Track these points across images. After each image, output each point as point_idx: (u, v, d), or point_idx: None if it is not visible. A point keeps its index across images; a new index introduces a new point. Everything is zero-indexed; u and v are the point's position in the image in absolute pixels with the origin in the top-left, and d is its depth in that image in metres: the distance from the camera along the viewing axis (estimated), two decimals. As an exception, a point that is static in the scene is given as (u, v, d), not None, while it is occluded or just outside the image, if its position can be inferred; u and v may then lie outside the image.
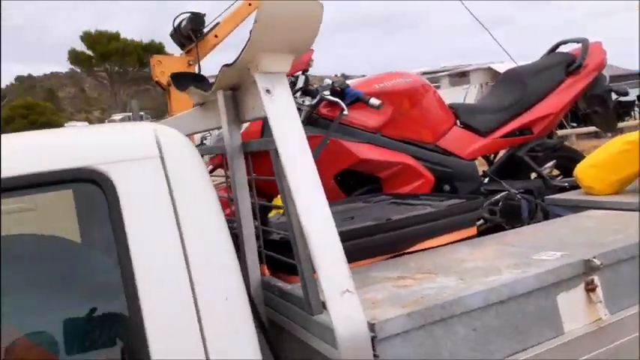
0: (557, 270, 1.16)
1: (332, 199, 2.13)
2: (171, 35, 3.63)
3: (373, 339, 0.91)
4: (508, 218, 2.26)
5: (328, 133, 2.01)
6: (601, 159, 1.98)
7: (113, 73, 28.88)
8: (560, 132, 13.53)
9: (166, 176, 0.94)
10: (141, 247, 0.88)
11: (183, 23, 3.55)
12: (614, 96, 2.57)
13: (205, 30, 3.75)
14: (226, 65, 1.10)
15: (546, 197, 2.06)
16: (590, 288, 1.20)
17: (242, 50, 1.01)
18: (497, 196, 2.36)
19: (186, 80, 1.53)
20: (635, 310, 1.26)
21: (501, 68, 16.33)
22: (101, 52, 28.44)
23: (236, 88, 1.26)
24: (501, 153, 2.64)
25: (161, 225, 0.91)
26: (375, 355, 0.90)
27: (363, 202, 1.98)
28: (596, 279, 1.22)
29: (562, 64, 2.48)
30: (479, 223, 2.29)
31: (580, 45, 2.55)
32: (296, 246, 1.03)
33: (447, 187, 2.37)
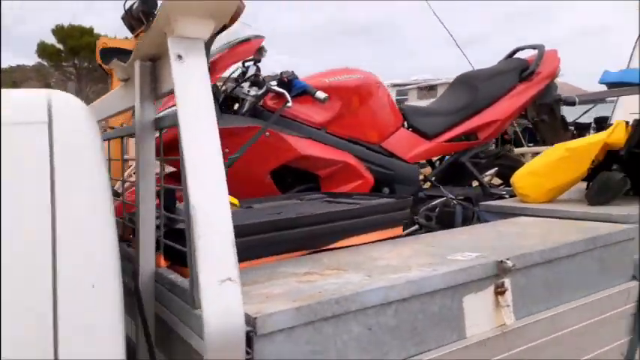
0: (468, 270, 1.13)
1: (266, 194, 2.08)
2: (122, 18, 3.48)
3: (251, 335, 0.84)
4: (443, 224, 2.24)
5: (266, 125, 1.95)
6: (539, 166, 1.98)
7: (81, 69, 28.03)
8: (516, 150, 13.93)
9: (50, 144, 0.85)
10: (7, 216, 0.79)
11: (135, 5, 3.41)
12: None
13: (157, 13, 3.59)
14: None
15: (480, 204, 2.05)
16: (499, 291, 1.17)
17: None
18: (435, 202, 2.35)
19: (113, 54, 1.44)
20: (542, 316, 1.24)
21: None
22: (72, 46, 27.60)
23: (156, 59, 1.16)
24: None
25: (34, 195, 0.83)
26: (247, 352, 0.82)
27: (297, 199, 1.93)
28: (507, 282, 1.19)
29: (516, 70, 2.48)
30: (414, 228, 2.28)
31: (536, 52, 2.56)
32: (188, 229, 0.95)
33: (386, 190, 2.33)
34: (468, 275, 1.12)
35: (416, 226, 2.34)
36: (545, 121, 2.56)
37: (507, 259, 1.18)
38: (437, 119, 2.40)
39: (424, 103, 15.28)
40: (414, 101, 18.40)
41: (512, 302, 1.19)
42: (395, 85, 21.43)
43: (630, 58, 4.49)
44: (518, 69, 2.47)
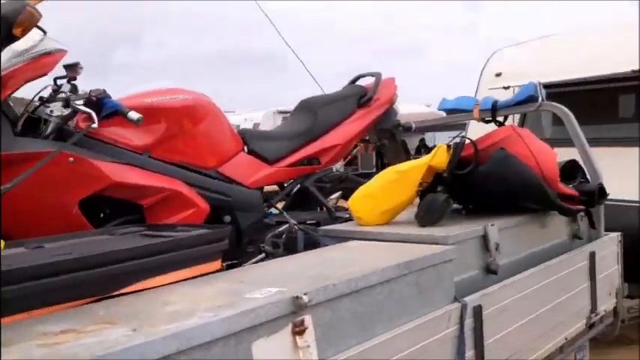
0: (256, 311, 0.98)
1: (75, 229, 1.81)
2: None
3: None
4: (290, 251, 2.14)
5: (59, 148, 1.68)
6: (372, 189, 1.95)
7: None
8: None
9: None
10: None
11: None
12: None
13: None
14: None
15: (319, 228, 1.97)
16: (297, 330, 1.05)
17: None
18: (282, 228, 2.24)
19: None
20: (351, 353, 1.15)
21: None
22: None
23: None
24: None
25: None
26: None
27: (109, 233, 1.69)
28: (308, 319, 1.07)
29: (354, 96, 2.48)
30: (260, 257, 2.14)
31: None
32: None
33: (227, 218, 2.18)
34: (256, 317, 0.98)
35: (262, 255, 2.21)
36: (386, 145, 2.60)
37: (304, 294, 1.06)
38: (278, 144, 2.30)
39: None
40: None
41: (314, 341, 1.08)
42: (280, 112, 21.60)
43: (477, 89, 4.88)
44: (356, 95, 2.48)
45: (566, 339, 1.98)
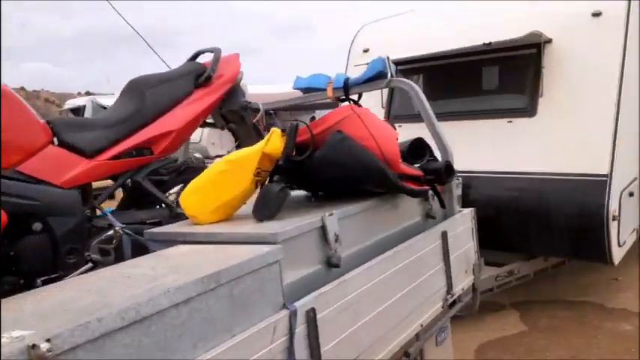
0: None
1: None
2: None
3: None
4: (121, 258, 1.84)
5: None
6: (202, 182, 1.70)
7: None
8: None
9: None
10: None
11: None
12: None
13: None
14: None
15: (146, 231, 1.68)
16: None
17: None
18: (110, 232, 1.93)
19: None
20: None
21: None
22: None
23: None
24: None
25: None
26: None
27: None
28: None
29: (190, 75, 2.19)
30: (87, 267, 1.83)
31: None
32: None
33: (38, 225, 1.81)
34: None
35: (89, 265, 1.88)
36: (233, 128, 2.36)
37: (47, 340, 0.80)
38: (98, 133, 1.95)
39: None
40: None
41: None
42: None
43: (346, 66, 4.78)
44: (193, 74, 2.19)
45: (422, 325, 1.91)
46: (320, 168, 1.64)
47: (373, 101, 4.42)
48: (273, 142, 1.61)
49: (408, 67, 4.33)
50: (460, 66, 4.06)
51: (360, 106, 2.56)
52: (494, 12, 3.94)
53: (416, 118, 4.26)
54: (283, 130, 1.62)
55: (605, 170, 3.18)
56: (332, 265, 1.55)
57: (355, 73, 4.67)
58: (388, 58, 2.27)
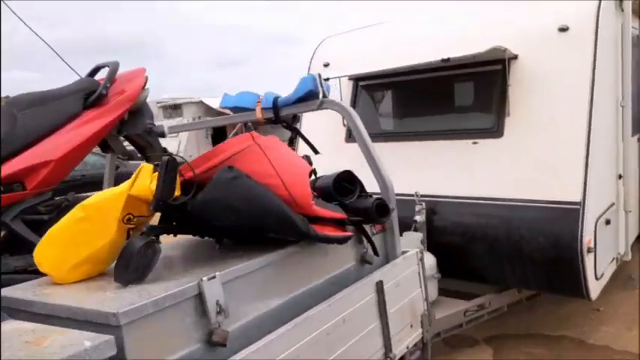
0: None
1: None
2: None
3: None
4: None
5: None
6: (57, 233, 1.34)
7: None
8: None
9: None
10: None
11: None
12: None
13: None
14: None
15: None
16: None
17: None
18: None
19: None
20: None
21: (213, 103, 16.52)
22: None
23: None
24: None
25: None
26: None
27: None
28: None
29: (79, 93, 1.83)
30: None
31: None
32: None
33: None
34: None
35: None
36: (134, 156, 2.00)
37: None
38: (-50, 165, 1.59)
39: (171, 122, 14.43)
40: (160, 121, 17.34)
41: None
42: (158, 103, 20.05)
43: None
44: (82, 92, 1.83)
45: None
46: (206, 213, 1.29)
47: (331, 118, 4.11)
48: (142, 181, 1.25)
49: (371, 82, 4.02)
50: (425, 82, 3.75)
51: (294, 129, 2.24)
52: (460, 26, 3.65)
53: (385, 136, 4.01)
54: (156, 166, 1.27)
55: (577, 197, 2.87)
56: (215, 344, 1.20)
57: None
58: (319, 75, 1.94)
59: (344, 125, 4.06)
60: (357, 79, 4.02)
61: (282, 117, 2.08)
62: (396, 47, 3.85)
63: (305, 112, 2.04)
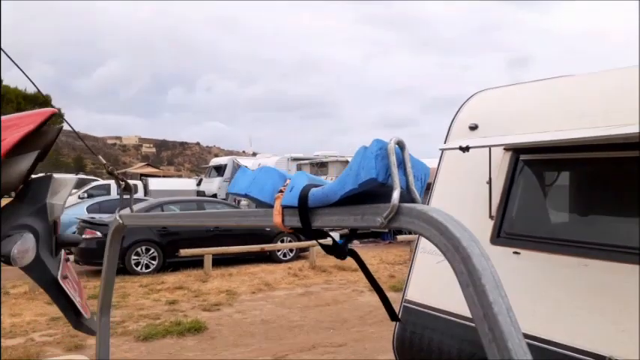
0: None
1: None
2: None
3: None
4: None
5: None
6: None
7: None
8: (402, 237, 12.99)
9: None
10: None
11: None
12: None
13: None
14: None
15: None
16: None
17: None
18: None
19: None
20: None
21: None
22: (-29, 94, 24.89)
23: None
24: None
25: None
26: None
27: None
28: None
29: None
30: None
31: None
32: None
33: None
34: None
35: None
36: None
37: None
38: None
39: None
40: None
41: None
42: (295, 159, 20.49)
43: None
44: None
45: None
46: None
47: (470, 197, 2.78)
48: None
49: (541, 157, 2.65)
50: (628, 164, 2.28)
51: (358, 262, 1.08)
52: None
53: (560, 245, 2.43)
54: None
55: None
56: None
57: (449, 164, 3.09)
58: (403, 147, 0.78)
59: (490, 217, 2.72)
60: (518, 151, 2.68)
61: (317, 226, 0.95)
62: (586, 109, 2.45)
63: (357, 227, 0.87)
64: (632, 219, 2.32)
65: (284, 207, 1.01)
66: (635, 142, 2.02)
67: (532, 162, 2.70)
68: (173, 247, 10.40)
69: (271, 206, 1.05)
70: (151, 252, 10.56)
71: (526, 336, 2.29)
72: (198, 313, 7.34)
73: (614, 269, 2.14)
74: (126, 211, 1.67)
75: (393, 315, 1.07)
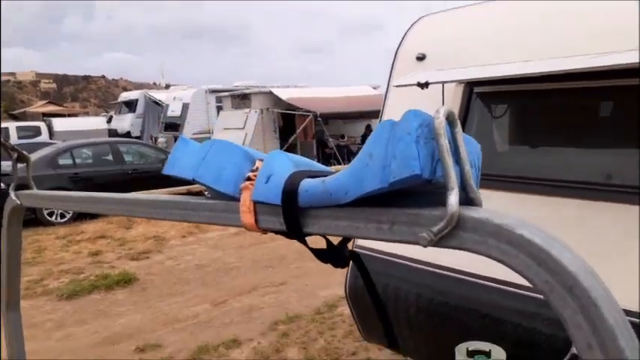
0: None
1: None
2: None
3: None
4: None
5: None
6: None
7: None
8: (333, 168, 12.90)
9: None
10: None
11: None
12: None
13: None
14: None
15: None
16: None
17: None
18: None
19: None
20: None
21: (283, 94, 15.33)
22: None
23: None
24: None
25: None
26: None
27: None
28: None
29: None
30: None
31: None
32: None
33: None
34: None
35: None
36: None
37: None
38: None
39: (237, 112, 13.41)
40: (228, 110, 16.48)
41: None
42: (213, 91, 19.40)
43: (388, 82, 2.99)
44: None
45: None
46: None
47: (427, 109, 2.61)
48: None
49: (496, 89, 2.47)
50: (585, 96, 2.16)
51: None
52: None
53: (517, 183, 2.18)
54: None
55: None
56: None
57: (397, 101, 2.84)
58: (455, 122, 0.50)
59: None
60: (470, 83, 2.48)
61: (313, 233, 0.66)
62: (539, 35, 2.27)
63: (383, 240, 0.60)
64: (591, 152, 2.24)
65: (257, 203, 0.71)
66: (597, 71, 1.87)
67: (487, 95, 2.52)
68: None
69: (234, 199, 0.75)
70: (64, 201, 9.72)
71: (479, 276, 2.21)
72: (125, 263, 6.91)
73: (576, 205, 2.07)
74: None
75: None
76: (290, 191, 0.64)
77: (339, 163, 14.36)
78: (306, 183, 0.63)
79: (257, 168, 0.72)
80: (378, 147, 0.55)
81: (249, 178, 0.72)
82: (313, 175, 0.65)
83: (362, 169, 0.56)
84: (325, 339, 4.16)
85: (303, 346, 4.07)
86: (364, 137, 16.73)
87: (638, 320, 1.73)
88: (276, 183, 0.67)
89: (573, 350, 1.12)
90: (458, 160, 0.53)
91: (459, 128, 0.54)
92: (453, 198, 0.50)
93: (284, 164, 0.69)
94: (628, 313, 1.89)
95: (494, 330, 2.04)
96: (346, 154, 15.43)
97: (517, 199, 2.23)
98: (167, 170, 0.86)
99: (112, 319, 4.97)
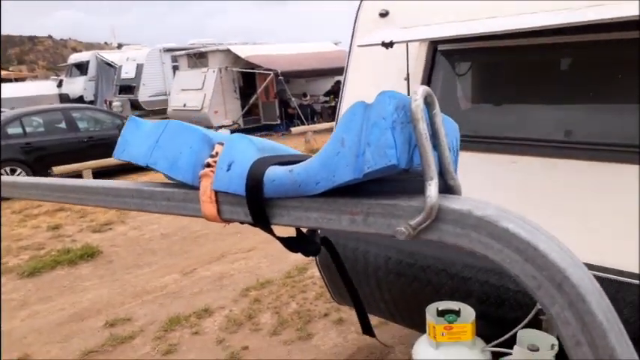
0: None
1: None
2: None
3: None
4: None
5: None
6: None
7: None
8: (297, 129, 12.87)
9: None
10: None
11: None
12: None
13: None
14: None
15: None
16: None
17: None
18: None
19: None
20: None
21: (241, 52, 14.88)
22: None
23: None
24: None
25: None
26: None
27: None
28: None
29: None
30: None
31: None
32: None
33: None
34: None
35: None
36: None
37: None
38: None
39: (195, 72, 12.95)
40: (184, 70, 15.94)
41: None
42: (168, 50, 18.67)
43: (350, 43, 2.90)
44: None
45: None
46: None
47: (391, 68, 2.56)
48: None
49: (460, 47, 2.43)
50: (547, 52, 2.15)
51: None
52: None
53: (481, 142, 2.19)
54: None
55: None
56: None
57: (361, 59, 2.78)
58: (433, 103, 0.45)
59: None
60: (437, 42, 2.43)
61: (280, 224, 0.61)
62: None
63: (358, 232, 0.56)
64: (555, 108, 2.25)
65: (219, 192, 0.65)
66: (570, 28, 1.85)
67: (451, 52, 2.48)
68: (43, 164, 9.24)
69: (193, 187, 0.69)
70: (17, 172, 9.32)
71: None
72: (87, 236, 6.73)
73: (543, 165, 2.09)
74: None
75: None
76: (254, 181, 0.58)
77: (303, 123, 14.22)
78: (272, 172, 0.58)
79: (217, 153, 0.66)
80: (351, 132, 0.50)
81: (208, 165, 0.66)
82: (279, 161, 0.59)
83: (333, 158, 0.51)
84: (297, 302, 4.20)
85: (275, 310, 4.10)
86: (332, 94, 16.53)
87: (599, 274, 1.79)
88: (239, 172, 0.61)
89: (539, 305, 1.13)
90: (436, 144, 0.49)
91: (437, 110, 0.49)
92: (432, 189, 0.46)
93: (246, 150, 0.63)
94: (589, 267, 1.96)
95: (463, 289, 2.08)
96: (310, 114, 15.28)
97: (481, 159, 2.24)
98: (117, 155, 0.79)
99: (78, 294, 4.86)
